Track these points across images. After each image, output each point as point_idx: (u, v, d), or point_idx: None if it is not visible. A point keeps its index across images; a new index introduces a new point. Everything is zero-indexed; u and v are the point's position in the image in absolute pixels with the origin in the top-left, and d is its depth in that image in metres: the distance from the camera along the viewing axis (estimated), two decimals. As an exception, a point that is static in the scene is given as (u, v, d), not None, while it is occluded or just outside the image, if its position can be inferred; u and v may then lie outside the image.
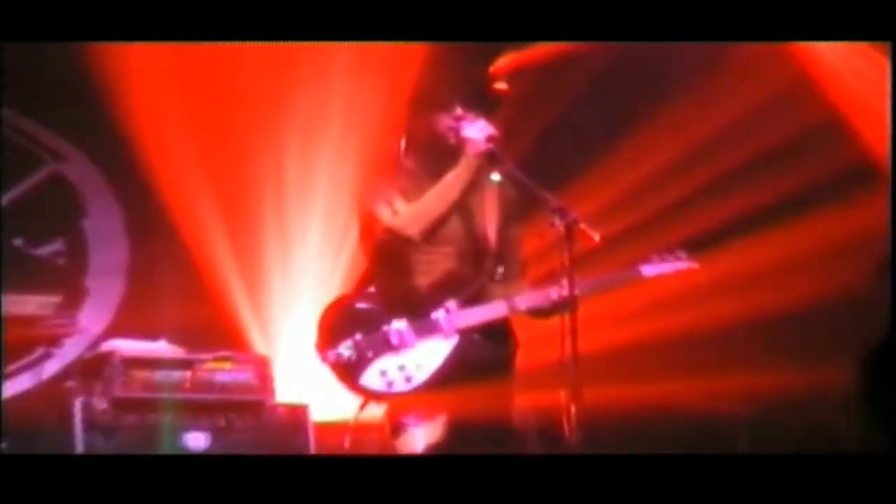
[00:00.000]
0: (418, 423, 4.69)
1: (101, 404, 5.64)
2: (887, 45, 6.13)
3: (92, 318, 6.93)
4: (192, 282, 6.77)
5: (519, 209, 4.98)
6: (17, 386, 6.67)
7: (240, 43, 5.41)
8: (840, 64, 6.72)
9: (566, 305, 4.48)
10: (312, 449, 5.82)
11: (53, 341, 6.84)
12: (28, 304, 6.77)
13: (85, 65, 6.45)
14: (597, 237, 4.56)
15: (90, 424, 5.59)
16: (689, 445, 6.22)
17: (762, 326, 6.74)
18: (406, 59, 5.83)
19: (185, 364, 5.82)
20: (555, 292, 4.63)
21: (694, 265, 5.01)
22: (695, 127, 6.90)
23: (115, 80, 6.57)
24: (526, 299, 4.80)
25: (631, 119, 6.97)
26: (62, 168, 7.06)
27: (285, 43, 5.57)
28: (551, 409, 4.53)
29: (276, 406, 5.89)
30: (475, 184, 4.80)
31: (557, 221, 4.53)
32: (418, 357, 4.70)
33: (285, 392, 6.08)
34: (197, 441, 5.69)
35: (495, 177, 4.92)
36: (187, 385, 5.78)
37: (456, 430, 4.67)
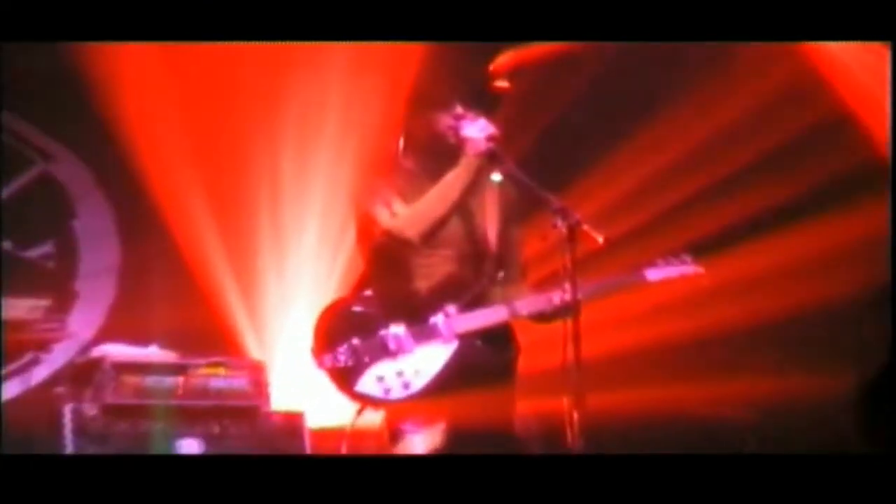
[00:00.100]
0: (417, 430, 4.69)
1: (91, 411, 5.64)
2: (887, 45, 6.14)
3: (82, 322, 6.94)
4: (185, 285, 6.77)
5: (520, 210, 4.98)
6: (4, 392, 6.68)
7: (235, 43, 5.42)
8: (849, 60, 6.72)
9: (568, 309, 4.48)
10: (308, 456, 5.82)
11: (42, 346, 6.84)
12: (16, 308, 6.77)
13: (75, 64, 6.45)
14: (600, 239, 4.56)
15: (80, 432, 5.59)
16: (695, 452, 6.22)
17: (768, 331, 6.74)
18: (405, 57, 5.83)
19: (177, 369, 5.82)
20: (557, 296, 4.63)
21: (699, 269, 5.01)
22: (701, 126, 6.91)
23: (106, 78, 6.58)
24: (527, 303, 4.80)
25: (635, 118, 6.97)
26: (51, 168, 7.07)
27: (281, 43, 5.58)
28: (553, 415, 4.53)
29: (271, 413, 5.89)
30: (475, 184, 4.80)
31: (560, 223, 4.52)
32: (417, 362, 4.69)
33: (280, 398, 6.08)
34: (190, 449, 5.69)
35: (496, 177, 4.91)
36: (180, 391, 5.79)
37: (456, 438, 4.66)
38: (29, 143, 7.00)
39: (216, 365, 5.87)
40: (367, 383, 4.67)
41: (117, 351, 5.92)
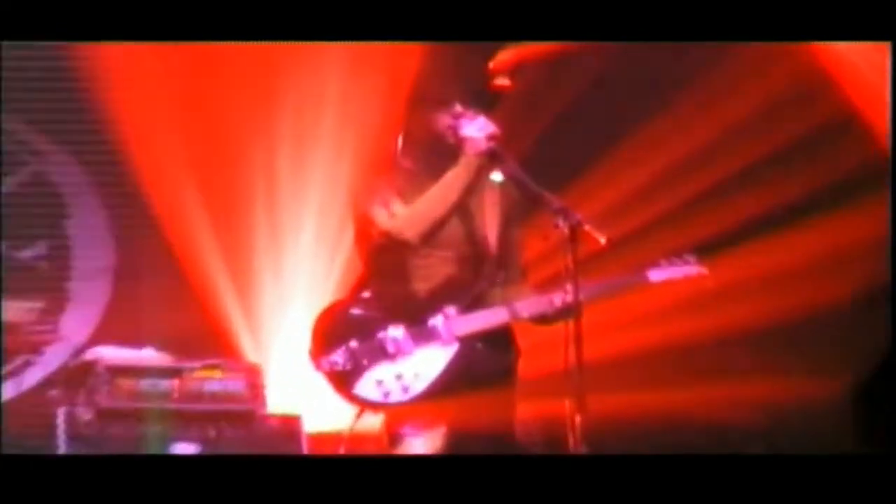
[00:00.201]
0: (417, 434, 4.69)
1: (85, 415, 5.65)
2: (887, 45, 6.17)
3: (75, 324, 6.94)
4: (180, 286, 6.78)
5: (521, 210, 4.98)
6: (-4, 396, 6.69)
7: (231, 43, 5.44)
8: (856, 58, 6.73)
9: (570, 311, 4.49)
10: (305, 461, 5.83)
11: (35, 349, 6.85)
12: (8, 310, 6.78)
13: (68, 62, 6.46)
14: (602, 240, 4.56)
15: (74, 436, 5.60)
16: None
17: (775, 332, 6.74)
18: (403, 54, 5.85)
19: (172, 372, 5.83)
20: (558, 297, 4.65)
21: (703, 270, 5.01)
22: (705, 124, 6.90)
23: (100, 77, 6.58)
24: (528, 305, 4.81)
25: (637, 116, 6.97)
26: (44, 168, 7.07)
27: (277, 43, 5.61)
28: (555, 419, 4.55)
29: (267, 416, 5.90)
30: (475, 184, 4.80)
31: (561, 223, 4.53)
32: (416, 365, 4.70)
33: (277, 401, 6.09)
34: (185, 453, 5.70)
35: (496, 177, 4.92)
36: (175, 394, 5.80)
37: (456, 442, 4.68)
38: (21, 143, 7.01)
39: (212, 368, 5.88)
40: (366, 386, 4.68)
41: (111, 353, 5.92)
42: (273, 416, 5.92)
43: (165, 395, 5.77)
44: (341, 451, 4.95)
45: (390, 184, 4.82)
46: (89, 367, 5.78)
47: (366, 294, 4.84)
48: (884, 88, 6.55)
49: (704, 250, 5.18)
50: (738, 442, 6.71)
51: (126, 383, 5.73)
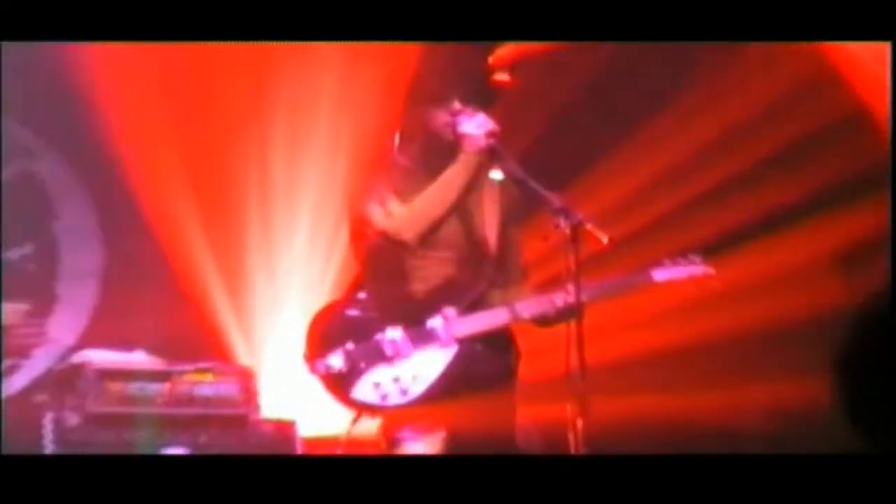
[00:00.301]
0: (415, 438, 4.70)
1: (73, 420, 5.66)
2: (887, 45, 6.20)
3: (63, 326, 6.94)
4: (171, 288, 6.79)
5: (521, 209, 5.00)
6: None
7: (223, 43, 5.46)
8: (864, 54, 6.74)
9: (572, 312, 4.50)
10: (300, 466, 5.83)
11: (22, 352, 6.86)
12: (-5, 312, 6.79)
13: (56, 60, 6.47)
14: (604, 239, 4.57)
15: (61, 441, 5.61)
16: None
17: (783, 333, 6.74)
18: (400, 50, 5.85)
19: (163, 376, 5.83)
20: (560, 298, 4.66)
21: (709, 270, 5.02)
22: (709, 122, 6.91)
23: (90, 75, 6.59)
24: (529, 306, 4.82)
25: (640, 113, 6.98)
26: (31, 166, 7.08)
27: (271, 43, 5.63)
28: (556, 423, 4.55)
29: (261, 421, 5.91)
30: (474, 183, 4.82)
31: (562, 222, 4.54)
32: (414, 368, 4.71)
33: (271, 406, 6.10)
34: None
35: (496, 175, 4.93)
36: (166, 399, 5.80)
37: (455, 446, 4.69)
38: (8, 140, 7.01)
39: (203, 371, 5.89)
40: (363, 390, 4.69)
41: (100, 357, 5.93)
42: (267, 420, 5.93)
43: (155, 400, 5.77)
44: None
45: (387, 182, 4.83)
46: (77, 370, 5.78)
47: (362, 295, 4.85)
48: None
49: (710, 250, 5.19)
50: (748, 448, 6.70)
51: (115, 387, 5.74)
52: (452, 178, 4.77)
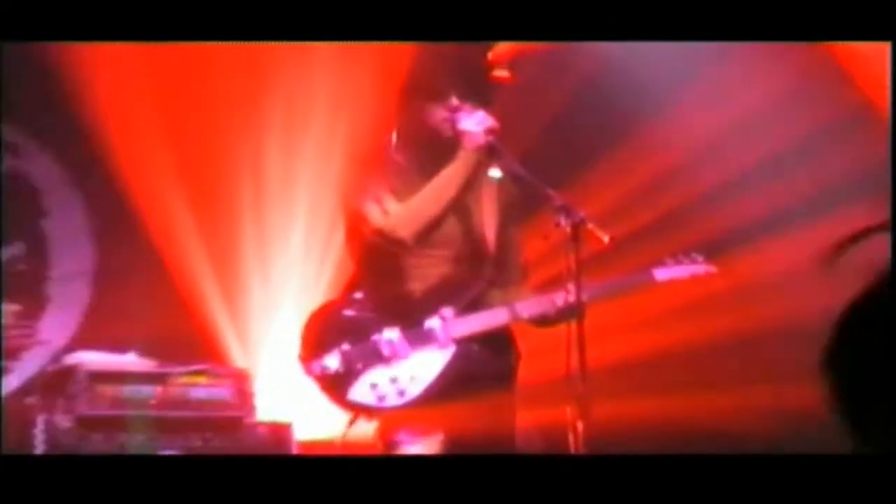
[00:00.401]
0: (412, 440, 4.71)
1: (64, 423, 5.65)
2: (887, 45, 6.23)
3: (54, 327, 6.94)
4: (164, 288, 6.78)
5: (521, 208, 5.01)
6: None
7: (217, 43, 5.48)
8: (866, 48, 6.75)
9: (572, 312, 4.51)
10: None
11: (12, 354, 6.85)
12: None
13: (45, 56, 6.47)
14: (606, 238, 4.58)
15: (53, 444, 5.60)
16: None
17: (789, 334, 6.74)
18: (397, 46, 5.86)
19: (156, 378, 5.83)
20: (560, 298, 4.67)
21: (711, 269, 5.04)
22: (714, 119, 6.91)
23: (80, 72, 6.59)
24: (529, 306, 4.83)
25: (643, 110, 6.98)
26: (21, 164, 7.08)
27: (265, 43, 5.65)
28: (556, 425, 4.55)
29: (256, 424, 5.90)
30: (473, 181, 4.83)
31: (563, 221, 4.56)
32: (412, 369, 4.72)
33: (267, 408, 6.10)
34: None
35: (495, 173, 4.94)
36: (159, 401, 5.79)
37: (453, 448, 4.69)
38: (-2, 139, 7.02)
39: (197, 373, 5.88)
40: (360, 391, 4.70)
41: (92, 359, 5.92)
42: (262, 423, 5.93)
43: (148, 402, 5.76)
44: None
45: (383, 180, 4.83)
46: (69, 372, 5.78)
47: (358, 295, 4.86)
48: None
49: (713, 249, 5.19)
50: (752, 451, 6.71)
51: (107, 390, 5.73)
52: (450, 175, 4.77)
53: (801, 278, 6.59)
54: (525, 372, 4.92)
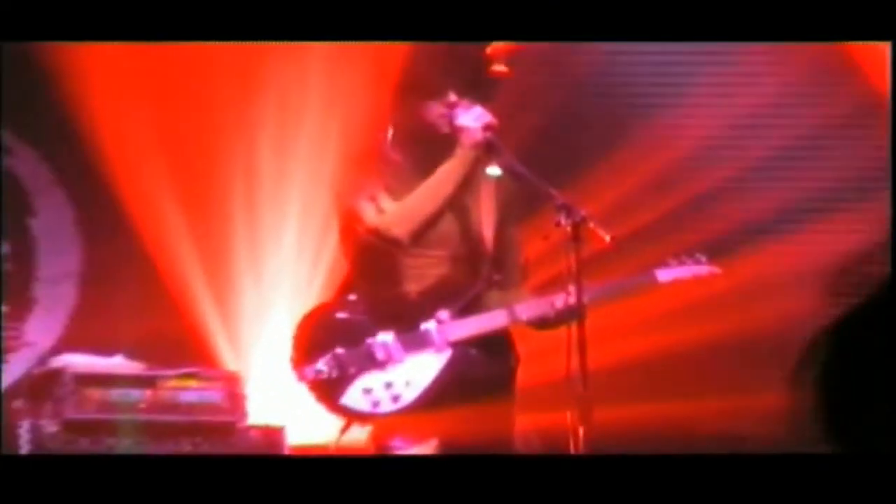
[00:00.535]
0: (407, 447, 4.71)
1: (50, 427, 5.65)
2: (887, 45, 6.25)
3: (40, 329, 6.93)
4: (154, 289, 6.77)
5: (520, 207, 5.00)
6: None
7: (209, 43, 5.49)
8: (871, 48, 6.74)
9: (573, 314, 4.51)
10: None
11: (-3, 356, 6.85)
12: (-34, 315, 6.78)
13: (32, 54, 6.46)
14: (607, 238, 4.57)
15: (39, 449, 5.60)
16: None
17: (795, 336, 6.72)
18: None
19: (145, 382, 5.82)
20: (560, 300, 4.66)
21: (715, 269, 5.02)
22: (719, 116, 6.90)
23: (68, 69, 6.58)
24: (528, 308, 4.81)
25: (647, 106, 6.97)
26: (7, 162, 7.07)
27: (257, 43, 5.65)
28: (557, 431, 4.55)
29: (248, 428, 5.89)
30: (470, 178, 4.82)
31: (563, 220, 4.55)
32: (407, 373, 4.71)
33: (258, 413, 6.08)
34: (159, 468, 5.70)
35: (493, 170, 4.92)
36: (148, 405, 5.78)
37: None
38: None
39: (187, 377, 5.87)
40: (353, 396, 4.69)
41: (79, 361, 5.91)
42: (254, 427, 5.91)
43: (137, 406, 5.75)
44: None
45: (378, 178, 4.83)
46: (55, 375, 5.77)
47: (352, 297, 4.85)
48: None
49: (717, 249, 5.19)
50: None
51: (95, 393, 5.72)
52: (448, 173, 4.76)
53: (806, 279, 6.60)
54: (524, 376, 4.91)
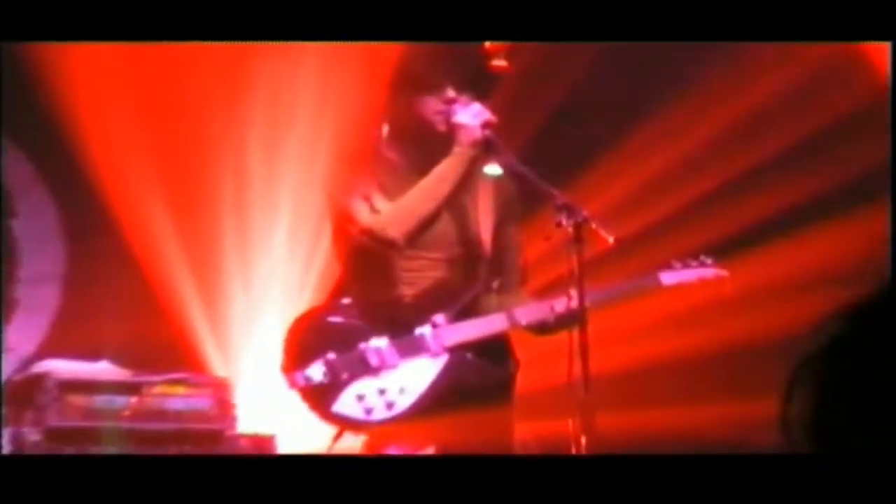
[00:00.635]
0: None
1: (32, 435, 5.64)
2: (887, 45, 6.28)
3: (22, 334, 6.93)
4: (140, 293, 6.77)
5: (519, 207, 5.01)
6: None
7: (197, 43, 5.49)
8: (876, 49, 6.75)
9: (574, 319, 4.49)
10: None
11: (-24, 362, 6.84)
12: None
13: (20, 55, 6.45)
14: (610, 239, 4.57)
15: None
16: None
17: (803, 342, 6.70)
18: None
19: (130, 388, 5.81)
20: (561, 304, 4.64)
21: (722, 272, 5.01)
22: (725, 113, 6.91)
23: (52, 67, 6.57)
24: (527, 312, 4.80)
25: (650, 103, 6.97)
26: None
27: (248, 43, 5.66)
28: (558, 439, 4.53)
29: (237, 436, 5.89)
30: (468, 178, 4.82)
31: (565, 221, 4.54)
32: (401, 379, 4.69)
33: (248, 420, 6.08)
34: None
35: (492, 169, 4.93)
36: (134, 412, 5.78)
37: (445, 465, 4.67)
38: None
39: (175, 383, 5.87)
40: (346, 403, 4.68)
41: (62, 367, 5.90)
42: (243, 436, 5.92)
43: (122, 414, 5.75)
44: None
45: (372, 177, 4.84)
46: (37, 381, 5.76)
47: (345, 300, 4.87)
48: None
49: (723, 250, 5.18)
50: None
51: (78, 400, 5.72)
52: (445, 172, 4.76)
53: (816, 282, 6.58)
54: (524, 382, 4.91)
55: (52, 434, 5.65)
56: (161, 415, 5.81)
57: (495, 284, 4.91)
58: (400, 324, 4.72)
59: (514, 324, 4.80)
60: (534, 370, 4.94)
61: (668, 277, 4.96)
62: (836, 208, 6.63)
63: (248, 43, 6.00)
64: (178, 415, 5.83)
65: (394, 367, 4.70)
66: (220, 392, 5.95)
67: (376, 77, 5.08)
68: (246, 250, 6.97)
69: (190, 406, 5.86)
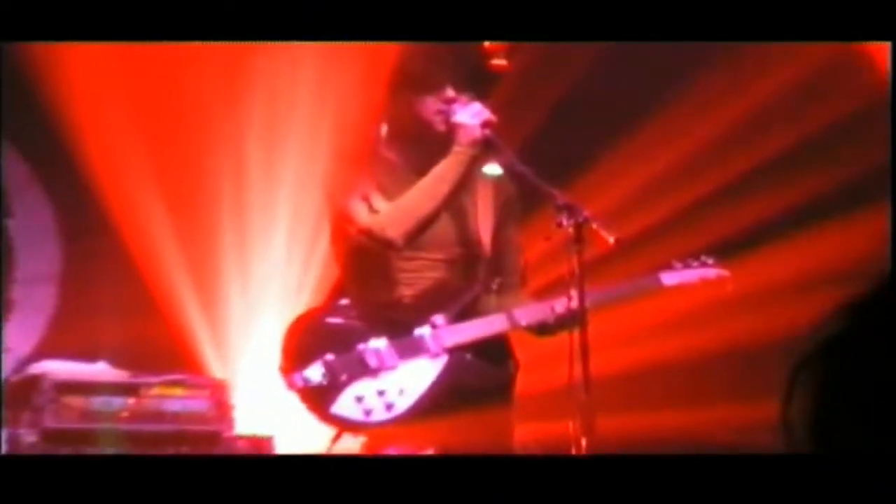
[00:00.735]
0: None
1: (29, 437, 5.64)
2: (887, 45, 6.28)
3: (18, 335, 6.91)
4: (137, 293, 6.77)
5: (519, 207, 5.02)
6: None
7: (195, 43, 5.50)
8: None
9: (575, 319, 4.49)
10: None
11: (-28, 363, 6.84)
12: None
13: (15, 54, 6.46)
14: (611, 239, 4.58)
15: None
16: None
17: (806, 343, 6.70)
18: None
19: (128, 389, 5.81)
20: (561, 304, 4.65)
21: (723, 272, 5.02)
22: (727, 112, 6.91)
23: (47, 65, 6.57)
24: (527, 313, 4.81)
25: (651, 103, 6.97)
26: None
27: (246, 43, 5.67)
28: (558, 441, 4.54)
29: (235, 438, 5.89)
30: (468, 178, 4.82)
31: (565, 221, 4.55)
32: (400, 381, 4.70)
33: (246, 422, 6.08)
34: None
35: (492, 169, 4.93)
36: (131, 414, 5.78)
37: (445, 466, 4.68)
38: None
39: (172, 384, 5.87)
40: (345, 405, 4.68)
41: (59, 368, 5.90)
42: (241, 437, 5.91)
43: (119, 415, 5.75)
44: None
45: (371, 177, 4.84)
46: (34, 383, 5.76)
47: (344, 301, 4.87)
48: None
49: (724, 250, 5.17)
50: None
51: (75, 401, 5.71)
52: (444, 172, 4.77)
53: (819, 283, 6.59)
54: (524, 383, 4.91)
55: (49, 435, 5.65)
56: (159, 416, 5.81)
57: (495, 285, 4.90)
58: (399, 325, 4.73)
59: (513, 325, 4.80)
60: (534, 371, 4.94)
61: (669, 278, 4.96)
62: (836, 208, 6.63)
63: (246, 43, 6.02)
64: (175, 416, 5.83)
65: (393, 368, 4.70)
66: (218, 393, 5.95)
67: (375, 77, 5.08)
68: (244, 251, 6.97)
69: (188, 407, 5.86)
